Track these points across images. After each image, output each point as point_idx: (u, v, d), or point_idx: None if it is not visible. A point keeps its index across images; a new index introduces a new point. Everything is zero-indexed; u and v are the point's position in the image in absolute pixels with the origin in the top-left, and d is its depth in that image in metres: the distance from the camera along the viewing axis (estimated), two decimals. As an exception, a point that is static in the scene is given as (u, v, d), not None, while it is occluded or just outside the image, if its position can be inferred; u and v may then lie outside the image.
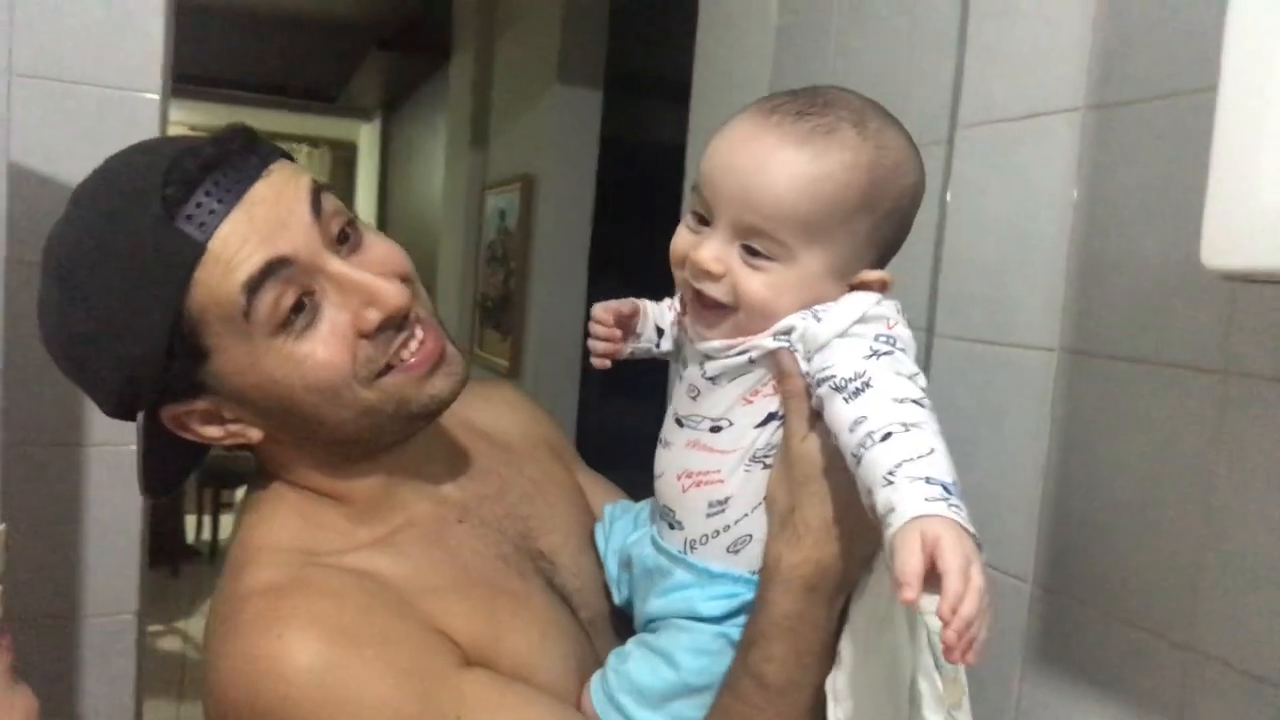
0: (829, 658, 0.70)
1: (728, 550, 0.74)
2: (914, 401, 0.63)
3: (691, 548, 0.75)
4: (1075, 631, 0.86)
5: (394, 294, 0.72)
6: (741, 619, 0.73)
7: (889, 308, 0.70)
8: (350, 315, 0.71)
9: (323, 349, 0.70)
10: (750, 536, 0.73)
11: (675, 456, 0.76)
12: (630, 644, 0.78)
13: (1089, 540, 0.85)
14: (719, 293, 0.70)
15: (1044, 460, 0.90)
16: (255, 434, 0.75)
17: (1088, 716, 0.84)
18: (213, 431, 0.75)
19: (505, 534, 0.83)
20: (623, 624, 0.86)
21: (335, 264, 0.71)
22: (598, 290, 2.36)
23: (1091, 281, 0.86)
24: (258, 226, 0.68)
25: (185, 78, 4.69)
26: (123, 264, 0.67)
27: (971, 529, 0.56)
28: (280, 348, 0.70)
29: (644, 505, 0.88)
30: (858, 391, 0.63)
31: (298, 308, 0.69)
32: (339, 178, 6.98)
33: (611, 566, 0.86)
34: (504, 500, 0.86)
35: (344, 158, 6.74)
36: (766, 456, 0.72)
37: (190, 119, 6.44)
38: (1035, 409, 0.90)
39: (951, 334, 1.02)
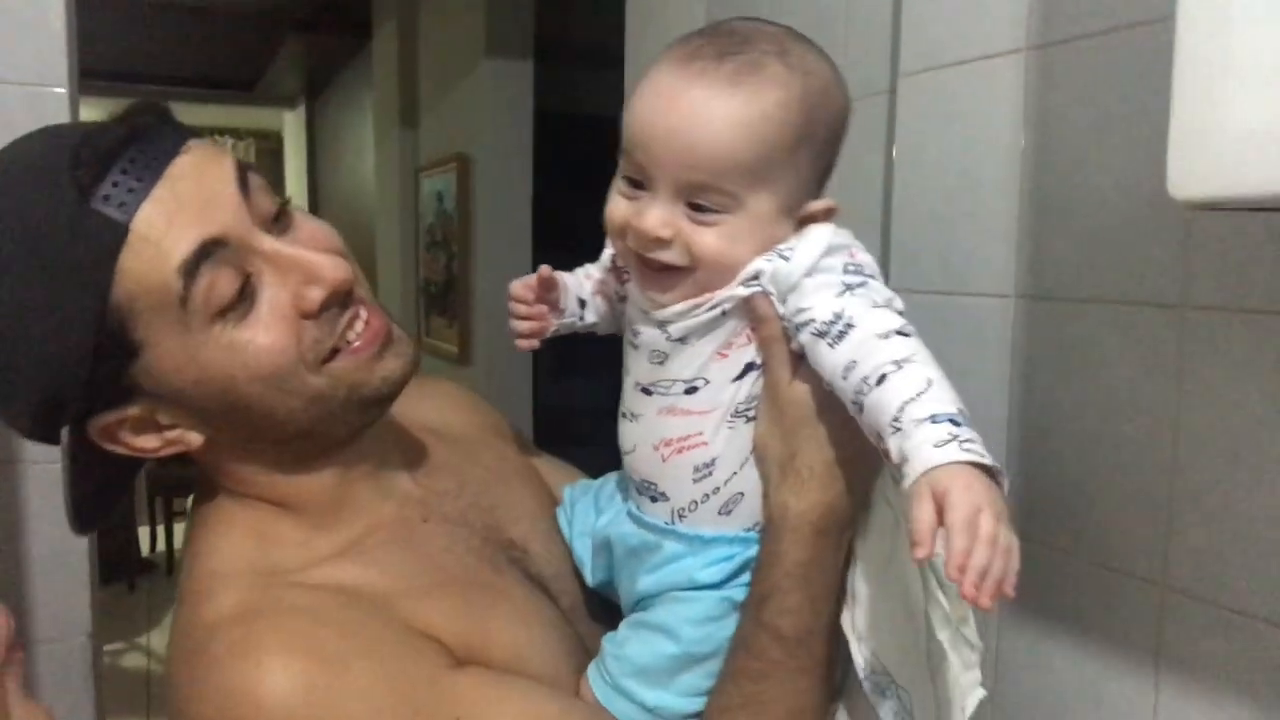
0: (839, 598, 0.70)
1: (719, 512, 0.72)
2: (898, 332, 0.62)
3: (680, 517, 0.73)
4: (1049, 578, 0.86)
5: (335, 267, 0.68)
6: (744, 579, 0.71)
7: (847, 235, 0.70)
8: (290, 295, 0.67)
9: (265, 333, 0.65)
10: (741, 494, 0.71)
11: (648, 427, 0.74)
12: (624, 627, 0.76)
13: (1057, 486, 0.85)
14: (672, 257, 0.67)
15: (1007, 408, 0.89)
16: (196, 439, 0.69)
17: (1067, 661, 0.84)
18: (148, 442, 0.68)
19: (473, 528, 0.80)
20: (599, 607, 0.84)
21: (269, 242, 0.66)
22: (542, 266, 2.31)
23: (1044, 224, 0.85)
24: (184, 204, 0.63)
25: (96, 73, 4.52)
26: (34, 255, 0.60)
27: (985, 459, 0.55)
28: (219, 337, 0.64)
29: (604, 483, 0.86)
30: (841, 334, 0.63)
31: (240, 292, 0.64)
32: (265, 169, 6.78)
33: (579, 550, 0.84)
34: (465, 494, 0.82)
35: (269, 148, 6.55)
36: (748, 410, 0.71)
37: (105, 114, 6.23)
38: (995, 357, 0.90)
39: (905, 287, 1.01)
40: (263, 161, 6.89)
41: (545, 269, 0.82)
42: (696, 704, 0.72)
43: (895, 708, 0.69)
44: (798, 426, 0.68)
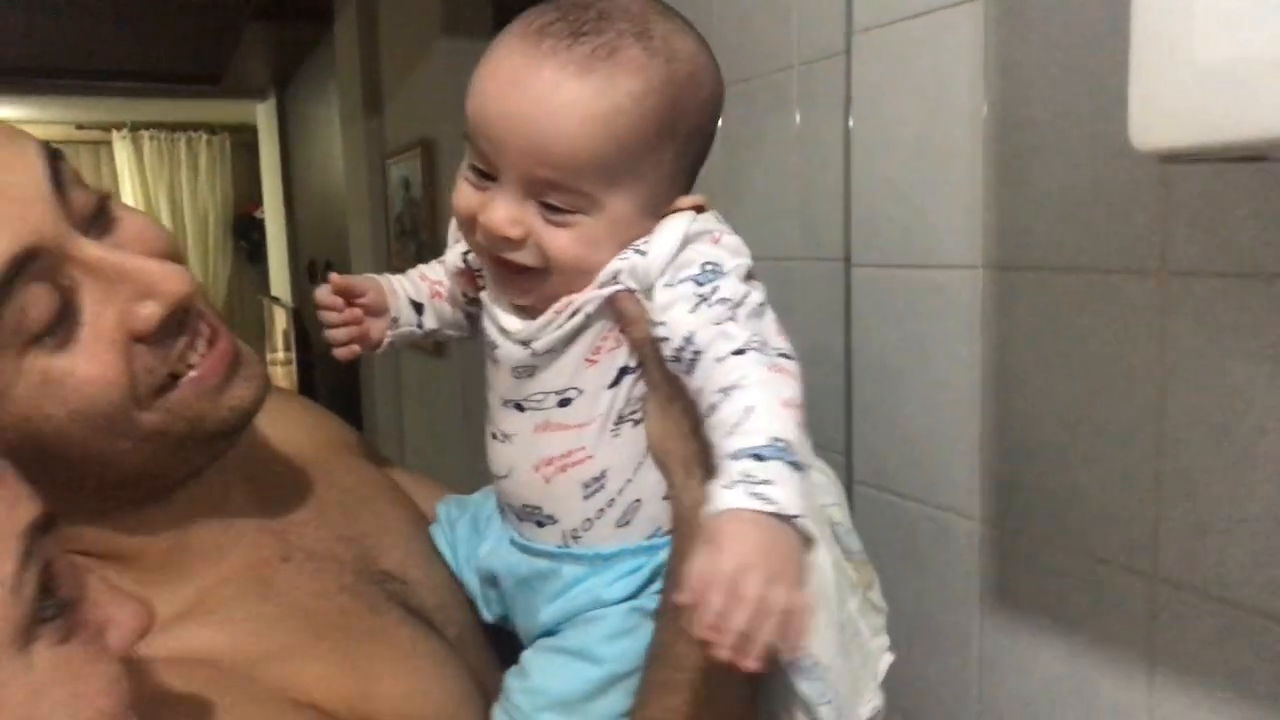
0: None
1: (617, 525, 0.66)
2: (734, 352, 0.57)
3: (574, 538, 0.67)
4: (1031, 568, 0.80)
5: (174, 277, 0.56)
6: (655, 587, 0.66)
7: (709, 220, 0.63)
8: (118, 313, 0.55)
9: (87, 362, 0.54)
10: (639, 501, 0.66)
11: (523, 447, 0.67)
12: (528, 655, 0.70)
13: (1036, 470, 0.79)
14: (525, 258, 0.61)
15: (979, 388, 0.83)
16: None
17: (1054, 657, 0.79)
18: None
19: (341, 562, 0.70)
20: (485, 632, 0.77)
21: (91, 248, 0.55)
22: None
23: (1012, 189, 0.78)
24: None
25: (59, 71, 4.43)
26: None
27: (771, 507, 0.49)
28: (33, 368, 0.53)
29: (482, 502, 0.79)
30: (691, 363, 0.58)
31: (58, 313, 0.53)
32: (240, 162, 6.71)
33: (471, 581, 0.77)
34: (326, 522, 0.72)
35: (244, 141, 6.45)
36: (633, 413, 0.65)
37: (73, 116, 6.12)
38: (965, 332, 0.83)
39: (869, 262, 0.94)
40: (238, 156, 6.81)
41: (335, 276, 0.75)
42: None
43: (820, 689, 0.64)
44: (699, 429, 0.61)
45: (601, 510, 0.66)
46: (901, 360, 0.91)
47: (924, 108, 0.86)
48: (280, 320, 4.53)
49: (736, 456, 0.52)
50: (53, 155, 0.56)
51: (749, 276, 0.62)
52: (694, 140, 0.64)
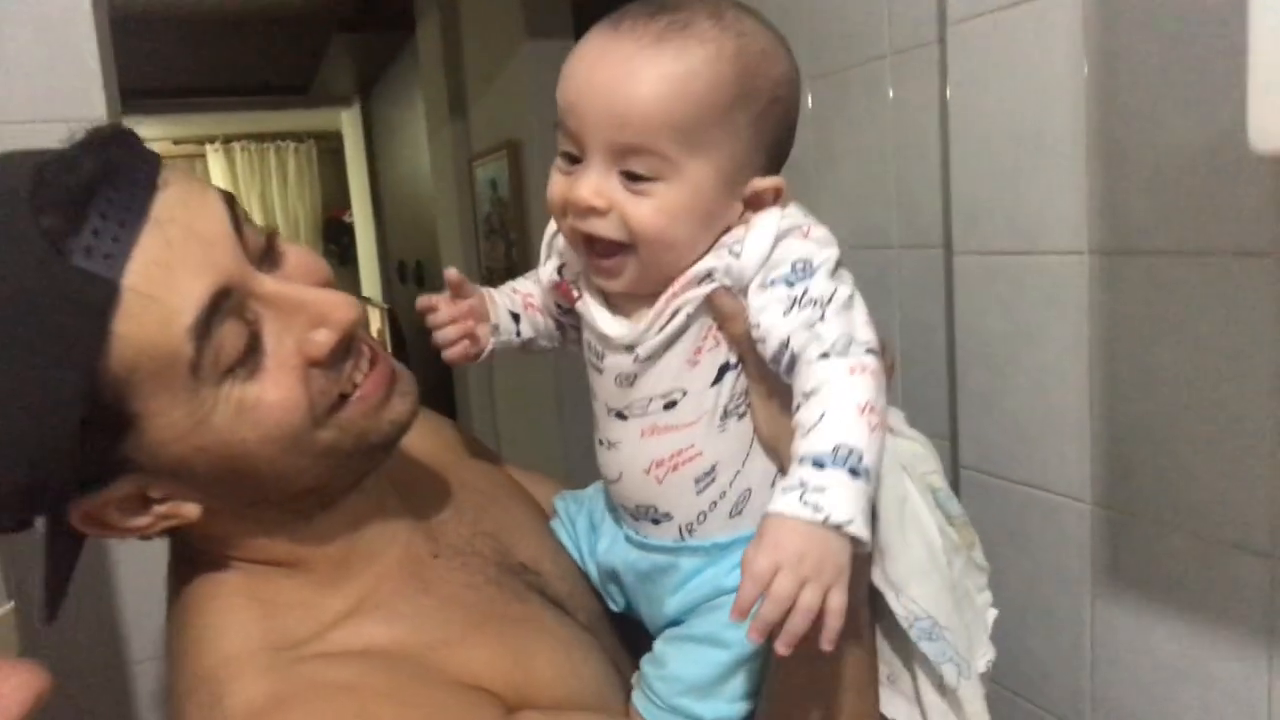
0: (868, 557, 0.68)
1: (730, 515, 0.69)
2: (821, 355, 0.60)
3: (689, 531, 0.70)
4: (1144, 550, 0.81)
5: (344, 305, 0.61)
6: None
7: (796, 214, 0.65)
8: (296, 341, 0.60)
9: (274, 389, 0.58)
10: (749, 491, 0.69)
11: (632, 452, 0.70)
12: (660, 645, 0.73)
13: (1148, 453, 0.79)
14: (609, 230, 0.63)
15: (1087, 373, 0.83)
16: (193, 510, 0.60)
17: (1169, 637, 0.79)
18: (138, 521, 0.59)
19: (484, 556, 0.74)
20: (612, 615, 0.81)
21: (269, 283, 0.59)
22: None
23: (1117, 173, 0.78)
24: (179, 252, 0.54)
25: (149, 92, 4.63)
26: (6, 326, 0.50)
27: (819, 515, 0.54)
28: (228, 398, 0.57)
29: (594, 498, 0.83)
30: (790, 365, 0.62)
31: (248, 348, 0.57)
32: (328, 168, 6.89)
33: (594, 574, 0.81)
34: (464, 519, 0.76)
35: (330, 147, 6.63)
36: (738, 408, 0.68)
37: (169, 132, 6.38)
38: (1072, 318, 0.84)
39: (971, 249, 0.95)
40: (325, 161, 7.00)
41: (451, 271, 0.78)
42: (746, 707, 0.69)
43: (941, 648, 0.68)
44: None
45: (714, 503, 0.69)
46: (1007, 347, 0.92)
47: (1023, 91, 0.86)
48: (374, 320, 4.66)
49: (802, 461, 0.56)
50: (229, 200, 0.60)
51: (838, 267, 0.64)
52: (770, 114, 0.65)
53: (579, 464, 2.38)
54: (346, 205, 6.45)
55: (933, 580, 0.69)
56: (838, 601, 0.54)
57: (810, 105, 1.17)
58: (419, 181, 4.28)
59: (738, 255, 0.64)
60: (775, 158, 0.68)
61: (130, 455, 0.56)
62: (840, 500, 0.54)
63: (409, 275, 4.86)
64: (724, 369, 0.67)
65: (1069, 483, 0.87)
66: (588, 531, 0.82)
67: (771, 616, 0.53)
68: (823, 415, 0.57)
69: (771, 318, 0.62)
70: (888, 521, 0.69)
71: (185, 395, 0.55)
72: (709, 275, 0.65)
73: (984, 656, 0.72)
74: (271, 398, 0.58)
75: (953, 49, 0.93)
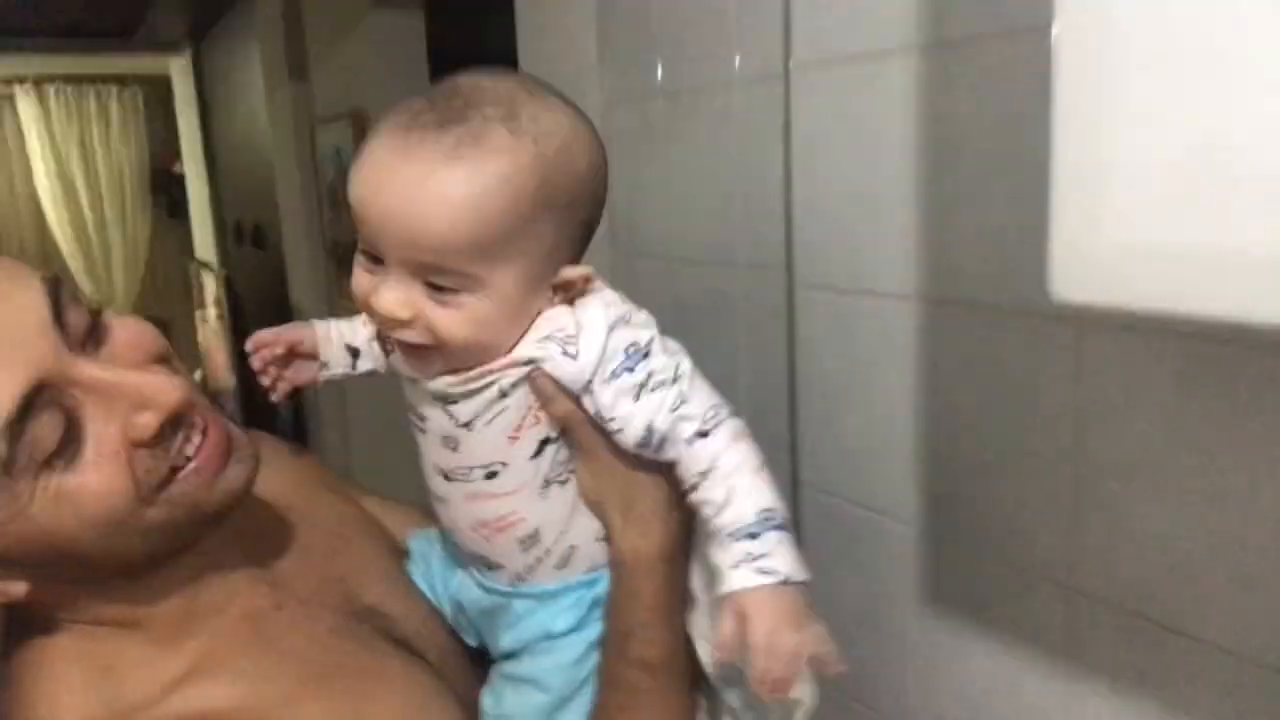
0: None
1: (557, 568, 0.72)
2: (699, 434, 0.64)
3: (520, 579, 0.73)
4: (962, 573, 0.87)
5: (169, 389, 0.60)
6: (596, 615, 0.72)
7: (615, 300, 0.68)
8: (119, 426, 0.59)
9: (95, 476, 0.57)
10: (574, 547, 0.72)
11: (460, 512, 0.72)
12: (496, 680, 0.76)
13: (969, 487, 0.85)
14: (416, 337, 0.64)
15: (913, 409, 0.89)
16: (19, 589, 0.61)
17: (984, 654, 0.86)
18: None
19: (329, 606, 0.74)
20: (462, 648, 0.83)
21: (89, 369, 0.58)
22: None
23: (941, 226, 0.83)
24: None
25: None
26: None
27: (775, 576, 0.60)
28: (46, 488, 0.56)
29: (447, 537, 0.83)
30: (659, 447, 0.65)
31: (66, 437, 0.56)
32: (156, 117, 6.45)
33: (448, 610, 0.83)
34: (311, 566, 0.76)
35: (158, 95, 6.19)
36: (560, 476, 0.70)
37: (-26, 73, 5.81)
38: (901, 358, 0.89)
39: (812, 283, 0.99)
40: (153, 109, 6.54)
41: (295, 329, 0.80)
42: None
43: (742, 694, 0.73)
44: (629, 479, 0.69)
45: (539, 559, 0.72)
46: (843, 378, 0.96)
47: (858, 138, 0.90)
48: (211, 287, 4.42)
49: (735, 537, 0.61)
50: (53, 283, 0.58)
51: (664, 343, 0.67)
52: (575, 210, 0.66)
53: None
54: (177, 156, 6.05)
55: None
56: (820, 632, 0.60)
57: (660, 119, 1.18)
58: (256, 139, 4.07)
59: (574, 357, 0.65)
60: (584, 238, 0.69)
61: None
62: (783, 558, 0.61)
63: (246, 237, 4.62)
64: (544, 442, 0.69)
65: (898, 507, 0.93)
66: (442, 570, 0.83)
67: (790, 674, 0.59)
68: (731, 490, 0.63)
69: (625, 408, 0.64)
70: (702, 561, 0.72)
71: (1, 491, 0.55)
72: (528, 362, 0.66)
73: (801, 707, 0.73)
74: (92, 485, 0.57)
75: (796, 88, 0.96)
